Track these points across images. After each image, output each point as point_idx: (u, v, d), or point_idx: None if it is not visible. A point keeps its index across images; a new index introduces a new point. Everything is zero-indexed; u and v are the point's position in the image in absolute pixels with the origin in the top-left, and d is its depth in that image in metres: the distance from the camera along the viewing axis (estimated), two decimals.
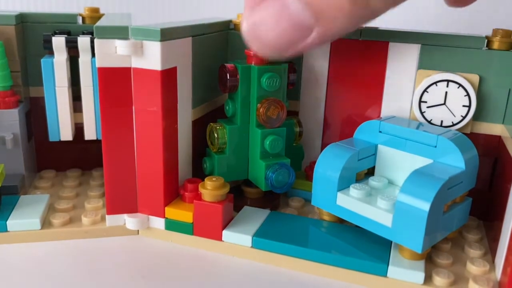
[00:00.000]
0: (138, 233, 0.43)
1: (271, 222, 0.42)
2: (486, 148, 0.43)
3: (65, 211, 0.44)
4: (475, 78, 0.42)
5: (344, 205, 0.39)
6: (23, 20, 0.47)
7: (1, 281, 0.36)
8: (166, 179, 0.41)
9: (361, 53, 0.45)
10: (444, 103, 0.43)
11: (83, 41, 0.42)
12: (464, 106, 0.42)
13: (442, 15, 0.56)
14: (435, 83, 0.43)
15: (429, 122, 0.43)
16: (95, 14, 0.49)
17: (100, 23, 0.40)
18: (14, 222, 0.40)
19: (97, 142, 0.42)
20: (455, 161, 0.37)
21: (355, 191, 0.38)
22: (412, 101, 0.44)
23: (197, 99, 0.44)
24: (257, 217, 0.42)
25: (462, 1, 0.37)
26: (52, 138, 0.44)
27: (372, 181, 0.40)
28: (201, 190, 0.40)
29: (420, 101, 0.43)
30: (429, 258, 0.38)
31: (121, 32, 0.38)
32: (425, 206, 0.34)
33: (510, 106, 0.42)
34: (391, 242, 0.38)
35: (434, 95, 0.43)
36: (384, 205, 0.37)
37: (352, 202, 0.38)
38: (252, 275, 0.38)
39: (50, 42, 0.43)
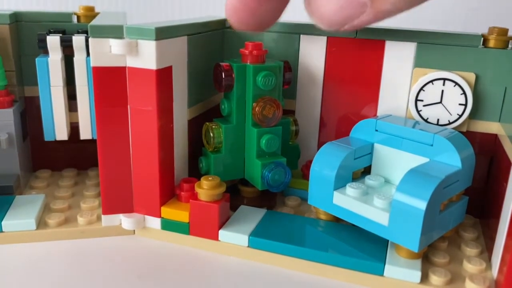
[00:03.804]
0: (134, 233, 0.42)
1: (267, 221, 0.42)
2: (483, 147, 0.43)
3: (61, 211, 0.43)
4: (471, 76, 0.42)
5: (340, 204, 0.39)
6: (17, 19, 0.47)
7: None
8: (162, 179, 0.41)
9: (357, 52, 0.45)
10: (441, 102, 0.43)
11: (78, 40, 0.42)
12: (460, 104, 0.42)
13: (438, 13, 0.56)
14: (432, 81, 0.43)
15: (426, 120, 0.43)
16: (90, 13, 0.49)
17: (94, 22, 0.40)
18: (9, 223, 0.40)
19: (92, 142, 0.42)
20: (452, 159, 0.37)
21: (351, 190, 0.38)
22: (409, 100, 0.44)
23: (193, 98, 0.44)
24: (253, 216, 0.42)
25: None
26: (47, 137, 0.44)
27: (369, 180, 0.40)
28: (197, 189, 0.40)
29: (417, 100, 0.43)
30: (426, 257, 0.38)
31: (115, 31, 0.38)
32: (422, 205, 0.34)
33: (506, 104, 0.42)
34: (388, 241, 0.38)
35: (431, 94, 0.43)
36: (381, 204, 0.37)
37: (348, 201, 0.38)
38: (248, 274, 0.38)
39: (44, 41, 0.43)
